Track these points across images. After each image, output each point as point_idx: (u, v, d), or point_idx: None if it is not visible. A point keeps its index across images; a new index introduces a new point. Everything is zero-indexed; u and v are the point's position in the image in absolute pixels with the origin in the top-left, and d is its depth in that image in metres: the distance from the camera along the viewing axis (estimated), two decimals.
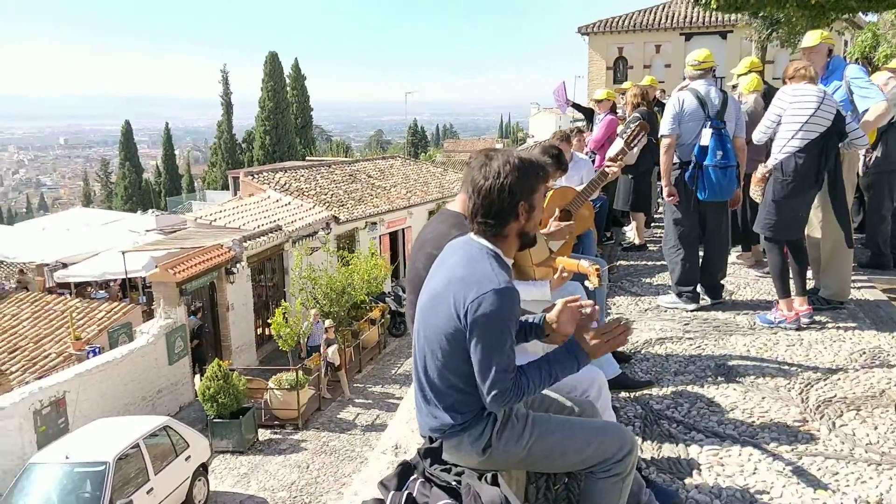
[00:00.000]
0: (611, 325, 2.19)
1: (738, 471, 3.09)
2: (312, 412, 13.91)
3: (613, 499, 2.30)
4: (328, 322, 14.93)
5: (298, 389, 13.20)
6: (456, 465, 2.04)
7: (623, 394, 3.86)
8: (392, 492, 1.89)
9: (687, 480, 3.05)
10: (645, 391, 3.91)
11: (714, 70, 5.11)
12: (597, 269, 2.95)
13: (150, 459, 9.32)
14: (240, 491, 10.89)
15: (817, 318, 5.00)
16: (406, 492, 1.87)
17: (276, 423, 13.47)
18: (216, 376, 12.35)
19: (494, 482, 1.94)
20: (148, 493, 9.06)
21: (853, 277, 5.97)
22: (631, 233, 8.24)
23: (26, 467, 8.85)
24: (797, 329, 4.83)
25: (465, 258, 2.16)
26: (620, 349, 4.53)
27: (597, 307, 2.35)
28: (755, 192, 5.19)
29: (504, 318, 2.03)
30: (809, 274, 5.41)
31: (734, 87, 7.52)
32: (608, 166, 4.39)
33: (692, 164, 5.03)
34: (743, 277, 6.34)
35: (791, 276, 4.98)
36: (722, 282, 5.58)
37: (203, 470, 10.47)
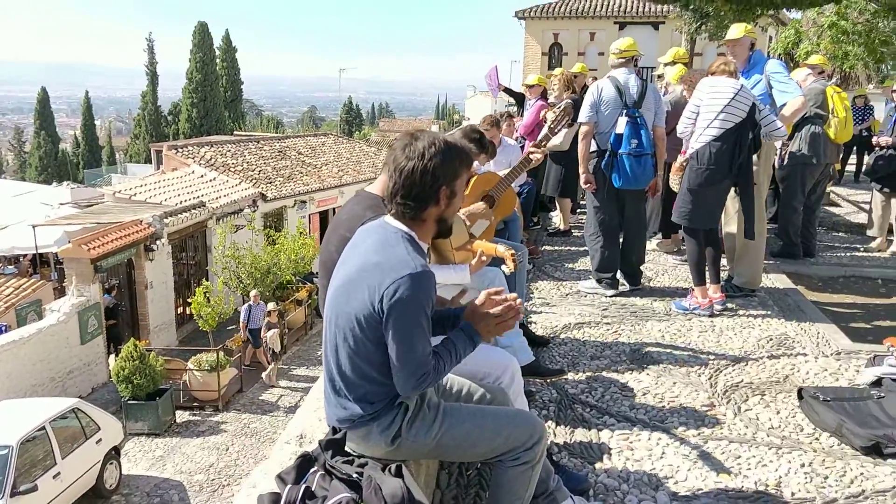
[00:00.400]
0: (503, 307, 2.19)
1: (646, 455, 3.14)
2: (234, 394, 13.59)
3: (522, 486, 2.28)
4: (271, 305, 14.49)
5: (219, 371, 12.86)
6: (360, 457, 1.96)
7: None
8: (289, 485, 1.80)
9: (597, 465, 3.07)
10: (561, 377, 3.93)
11: (636, 59, 5.14)
12: (512, 254, 2.92)
13: (58, 443, 8.90)
14: (154, 474, 10.55)
15: (730, 305, 5.15)
16: (304, 485, 1.78)
17: (195, 404, 13.10)
18: (132, 357, 11.89)
19: (398, 474, 1.87)
20: (55, 477, 8.66)
21: (769, 265, 6.20)
22: (557, 218, 8.31)
23: None
24: (710, 316, 4.96)
25: (379, 243, 2.08)
26: (539, 333, 4.59)
27: (519, 300, 2.33)
28: (674, 182, 5.28)
29: (421, 303, 1.98)
30: (724, 262, 5.57)
31: (660, 76, 7.66)
32: (532, 152, 4.36)
33: (608, 152, 5.09)
34: (662, 264, 6.48)
35: (706, 264, 5.11)
36: (641, 268, 5.67)
37: (115, 453, 10.08)
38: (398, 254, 2.02)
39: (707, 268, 5.11)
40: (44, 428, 8.85)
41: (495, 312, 2.15)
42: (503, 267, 2.99)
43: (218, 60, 46.31)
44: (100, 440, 9.71)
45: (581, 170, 5.32)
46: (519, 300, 2.33)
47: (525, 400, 2.76)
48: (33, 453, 8.55)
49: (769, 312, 5.07)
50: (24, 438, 8.41)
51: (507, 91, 10.03)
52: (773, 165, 6.16)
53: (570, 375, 3.97)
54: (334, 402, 2.12)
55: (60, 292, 15.25)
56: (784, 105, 5.20)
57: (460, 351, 2.13)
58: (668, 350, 4.37)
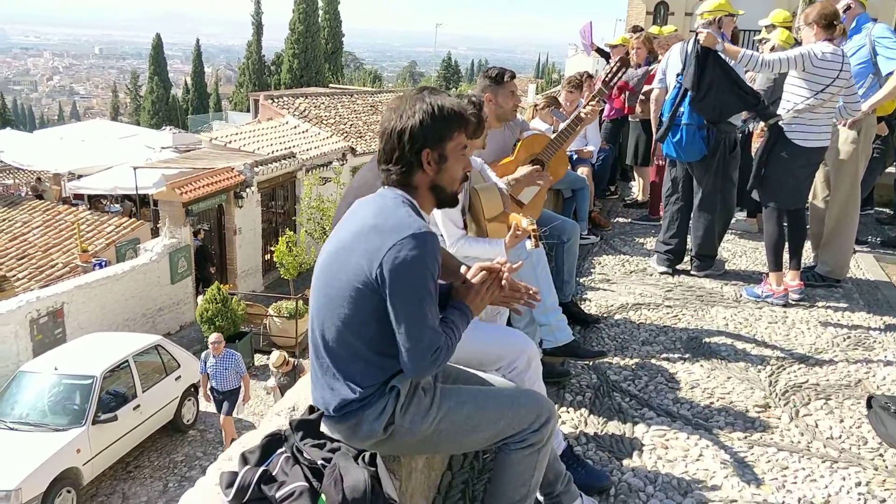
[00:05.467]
0: (484, 277, 2.02)
1: (681, 455, 2.90)
2: None
3: (528, 471, 2.11)
4: (275, 356, 9.64)
5: (297, 318, 13.20)
6: (332, 441, 1.83)
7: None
8: (248, 466, 1.70)
9: (625, 461, 2.86)
10: (605, 360, 3.70)
11: (720, 21, 4.62)
12: (534, 230, 2.69)
13: (139, 377, 9.39)
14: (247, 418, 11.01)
15: (808, 295, 4.72)
16: (262, 468, 1.68)
17: (273, 349, 13.53)
18: (215, 299, 12.36)
19: (371, 463, 1.74)
20: (134, 409, 9.16)
21: (862, 255, 5.67)
22: (637, 188, 7.91)
23: (16, 375, 8.96)
24: (784, 305, 4.56)
25: (378, 207, 1.91)
26: (592, 312, 4.34)
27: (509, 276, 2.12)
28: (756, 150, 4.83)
29: (427, 266, 1.80)
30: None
31: (761, 41, 7.03)
32: (584, 110, 4.03)
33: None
34: (741, 245, 6.03)
35: (786, 248, 4.69)
36: (708, 254, 5.13)
37: (194, 390, 10.55)
38: (399, 215, 1.85)
39: (787, 252, 4.69)
40: (127, 362, 9.34)
41: (479, 282, 1.99)
42: (526, 243, 2.77)
43: (321, 12, 46.71)
44: (179, 377, 10.18)
45: (655, 137, 4.99)
46: (532, 288, 2.14)
47: (543, 386, 2.56)
48: (115, 384, 9.05)
49: (852, 306, 4.61)
50: (107, 370, 8.91)
51: (599, 51, 9.53)
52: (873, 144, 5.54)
53: (615, 360, 3.74)
54: (322, 382, 1.94)
55: (156, 233, 16.00)
56: (891, 74, 4.63)
57: (460, 327, 1.95)
58: (730, 341, 4.04)
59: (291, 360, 9.78)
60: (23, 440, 8.06)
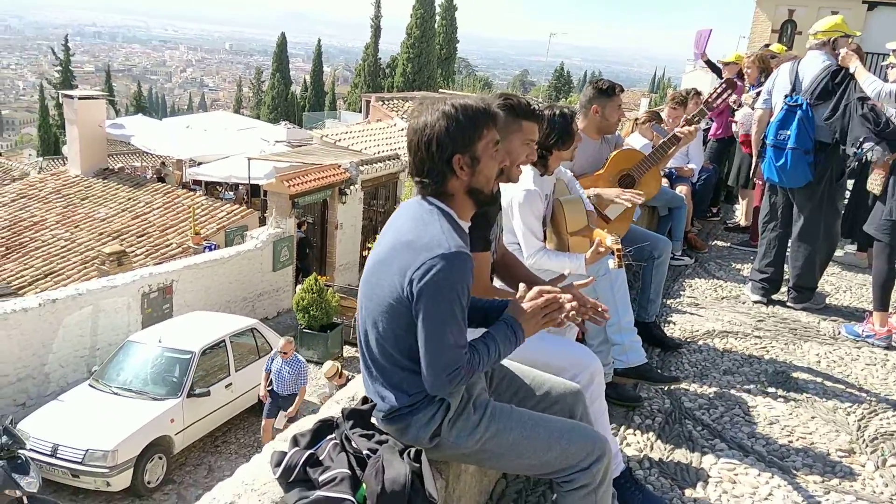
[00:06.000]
0: (547, 301, 1.95)
1: (749, 492, 2.77)
2: None
3: None
4: (328, 366, 9.71)
5: None
6: (381, 433, 1.88)
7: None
8: (296, 448, 1.77)
9: (687, 491, 2.77)
10: (680, 386, 3.58)
11: (834, 42, 4.37)
12: (619, 250, 2.64)
13: (234, 357, 9.86)
14: (314, 400, 11.38)
15: None
16: (309, 451, 1.75)
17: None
18: (312, 289, 12.81)
19: (416, 459, 1.78)
20: (227, 387, 9.62)
21: None
22: (740, 212, 7.59)
23: (124, 343, 9.62)
24: (886, 347, 4.26)
25: (413, 220, 1.90)
26: (675, 336, 4.22)
27: (603, 305, 2.07)
28: (873, 183, 4.54)
29: (454, 287, 1.79)
30: None
31: (889, 66, 6.60)
32: (681, 130, 3.91)
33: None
34: (847, 280, 5.68)
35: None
36: (806, 286, 4.87)
37: None
38: (432, 232, 1.83)
39: None
40: (224, 341, 9.83)
41: (539, 305, 1.93)
42: (609, 262, 2.73)
43: (437, 18, 47.53)
44: None
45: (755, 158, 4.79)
46: (601, 306, 2.09)
47: (605, 405, 2.52)
48: (211, 362, 9.55)
49: None
50: (205, 347, 9.42)
51: (710, 64, 9.20)
52: None
53: (692, 387, 3.62)
54: (372, 389, 1.98)
55: (263, 222, 16.74)
56: None
57: (500, 346, 1.91)
58: (820, 379, 3.82)
59: (346, 373, 9.53)
60: (123, 405, 8.62)
